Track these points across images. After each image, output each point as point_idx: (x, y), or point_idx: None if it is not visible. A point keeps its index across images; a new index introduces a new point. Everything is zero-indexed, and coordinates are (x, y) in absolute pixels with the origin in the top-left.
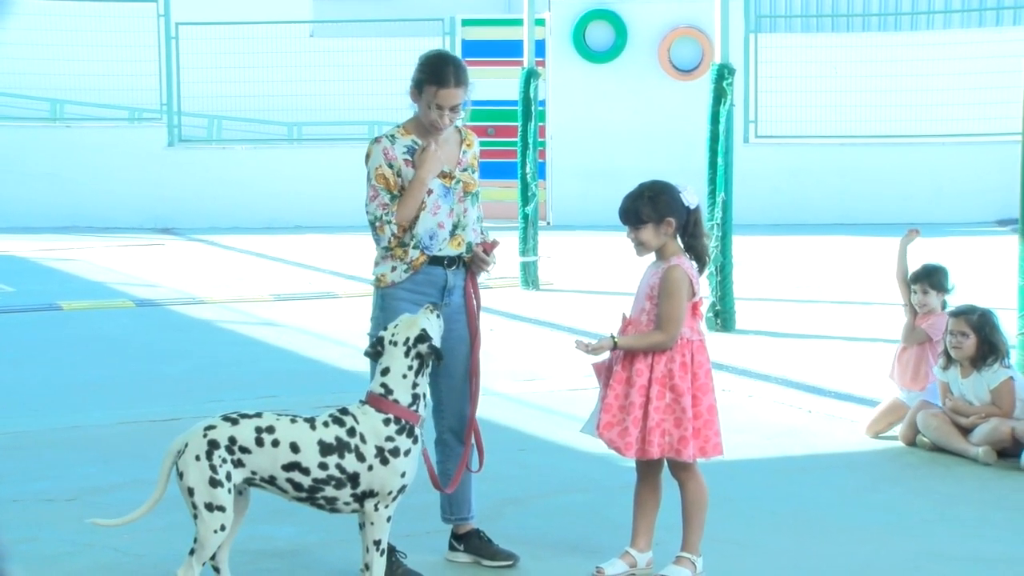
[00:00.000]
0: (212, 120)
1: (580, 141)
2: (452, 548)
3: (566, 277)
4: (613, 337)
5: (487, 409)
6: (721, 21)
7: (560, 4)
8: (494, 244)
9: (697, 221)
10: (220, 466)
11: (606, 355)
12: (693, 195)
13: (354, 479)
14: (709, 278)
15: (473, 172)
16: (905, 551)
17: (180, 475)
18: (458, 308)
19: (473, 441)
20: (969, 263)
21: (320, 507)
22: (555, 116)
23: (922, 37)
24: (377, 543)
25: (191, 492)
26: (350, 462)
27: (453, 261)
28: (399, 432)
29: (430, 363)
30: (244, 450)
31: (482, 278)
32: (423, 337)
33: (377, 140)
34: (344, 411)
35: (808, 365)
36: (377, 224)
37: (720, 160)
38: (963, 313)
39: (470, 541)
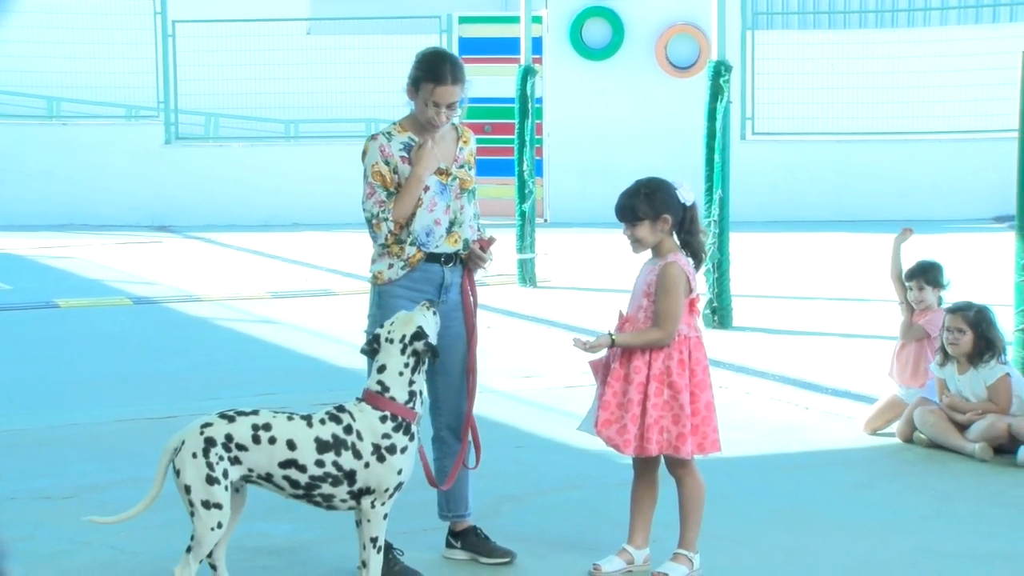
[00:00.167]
0: (209, 118)
1: (577, 138)
2: (449, 545)
3: (563, 274)
4: (611, 334)
5: (484, 406)
6: (718, 18)
7: (557, 1)
8: (491, 241)
9: (693, 218)
10: (217, 463)
11: (603, 352)
12: (689, 192)
13: (351, 476)
14: (706, 275)
15: (470, 169)
16: (901, 547)
17: (177, 472)
18: (455, 305)
19: (471, 438)
20: (966, 260)
21: (317, 504)
22: (552, 113)
23: (919, 34)
24: (374, 540)
25: (188, 490)
26: (347, 459)
27: (450, 258)
28: (396, 429)
29: (426, 360)
30: (241, 447)
31: (479, 275)
32: (419, 334)
33: (374, 137)
34: (341, 408)
35: (805, 362)
36: (374, 221)
37: (717, 157)
38: (960, 309)
39: (467, 538)
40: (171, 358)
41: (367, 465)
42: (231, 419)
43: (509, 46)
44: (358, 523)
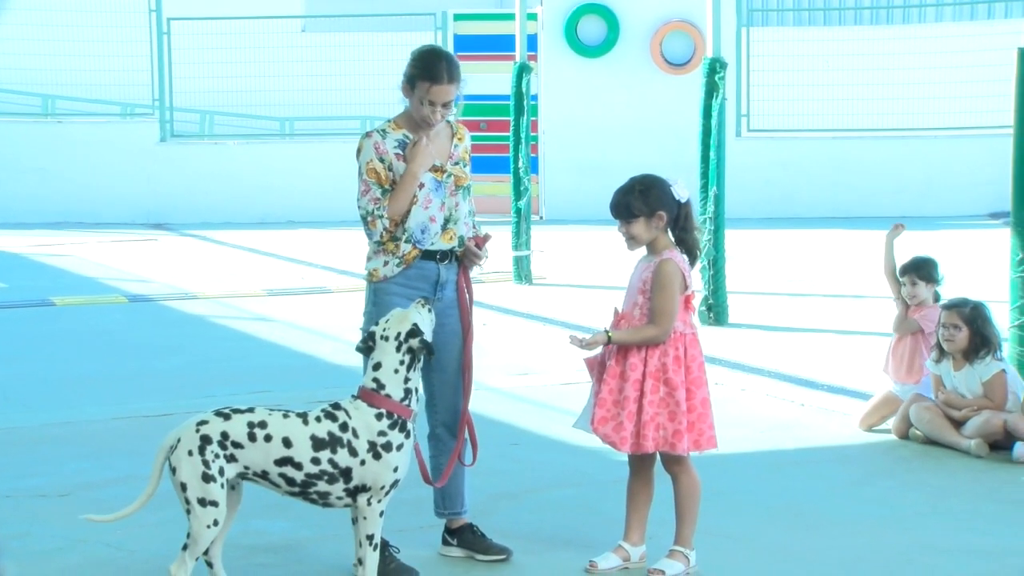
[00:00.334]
0: (204, 115)
1: (572, 135)
2: (445, 543)
3: (559, 271)
4: (607, 332)
5: (480, 404)
6: (713, 15)
7: None
8: (486, 238)
9: (688, 215)
10: (213, 461)
11: (599, 350)
12: (684, 189)
13: (346, 474)
14: (702, 272)
15: (464, 166)
16: (897, 544)
17: (173, 470)
18: (451, 303)
19: (467, 435)
20: (962, 256)
21: (313, 502)
22: (547, 110)
23: (914, 30)
24: (370, 538)
25: (184, 487)
26: (342, 457)
27: (445, 255)
28: (391, 427)
29: (422, 358)
30: (237, 445)
31: (475, 272)
32: (414, 332)
33: (368, 135)
34: (336, 406)
35: (801, 359)
36: (369, 219)
37: (712, 154)
38: (955, 306)
39: (463, 536)
40: (167, 356)
41: (363, 463)
42: (227, 417)
43: (504, 43)
44: (354, 520)
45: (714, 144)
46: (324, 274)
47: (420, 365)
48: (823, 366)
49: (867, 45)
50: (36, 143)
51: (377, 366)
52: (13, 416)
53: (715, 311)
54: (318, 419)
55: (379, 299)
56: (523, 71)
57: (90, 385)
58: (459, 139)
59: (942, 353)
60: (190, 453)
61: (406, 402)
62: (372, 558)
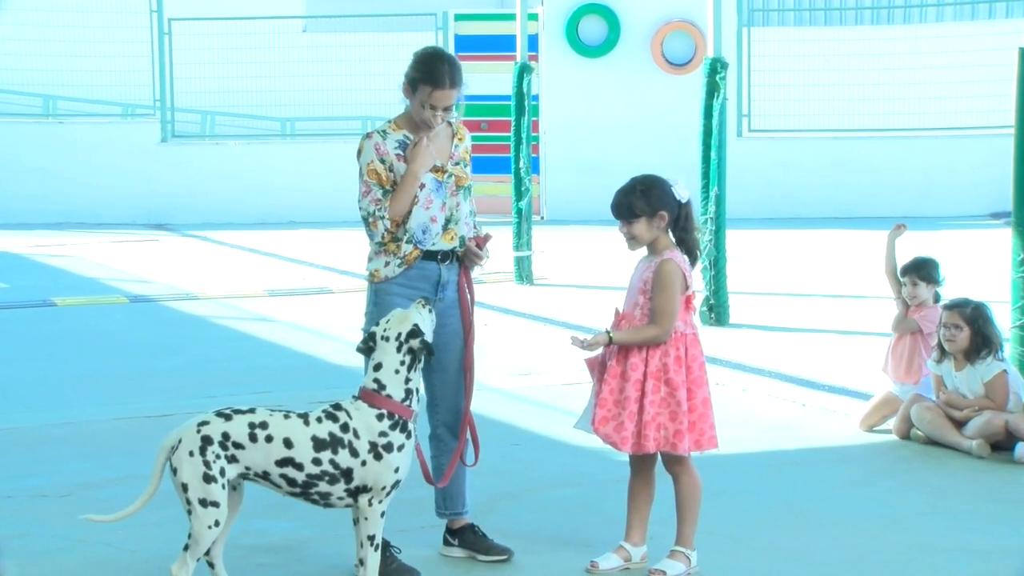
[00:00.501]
0: (205, 116)
1: (573, 136)
2: (446, 543)
3: (560, 272)
4: (608, 332)
5: (481, 404)
6: (714, 15)
7: None
8: (487, 238)
9: (688, 215)
10: (214, 462)
11: (600, 350)
12: (684, 189)
13: (347, 474)
14: (703, 272)
15: (465, 166)
16: (898, 544)
17: (174, 471)
18: (452, 303)
19: (468, 436)
20: (963, 256)
21: (314, 502)
22: (548, 111)
23: (915, 30)
24: (371, 538)
25: (185, 488)
26: (343, 458)
27: (446, 255)
28: (392, 427)
29: (422, 358)
30: (237, 446)
31: (476, 273)
32: (415, 332)
33: (368, 136)
34: (337, 407)
35: (802, 359)
36: (370, 219)
37: (713, 154)
38: (957, 306)
39: (464, 536)
40: (168, 356)
41: (364, 463)
42: (228, 417)
43: (505, 43)
44: (355, 521)
45: (715, 144)
46: (325, 274)
47: (421, 366)
48: (824, 366)
49: (868, 45)
50: (37, 143)
51: (378, 367)
52: (14, 416)
53: (716, 311)
54: (319, 420)
55: (380, 299)
56: (524, 71)
57: (91, 385)
58: (459, 139)
59: (943, 353)
60: (191, 454)
61: (407, 402)
62: (373, 558)
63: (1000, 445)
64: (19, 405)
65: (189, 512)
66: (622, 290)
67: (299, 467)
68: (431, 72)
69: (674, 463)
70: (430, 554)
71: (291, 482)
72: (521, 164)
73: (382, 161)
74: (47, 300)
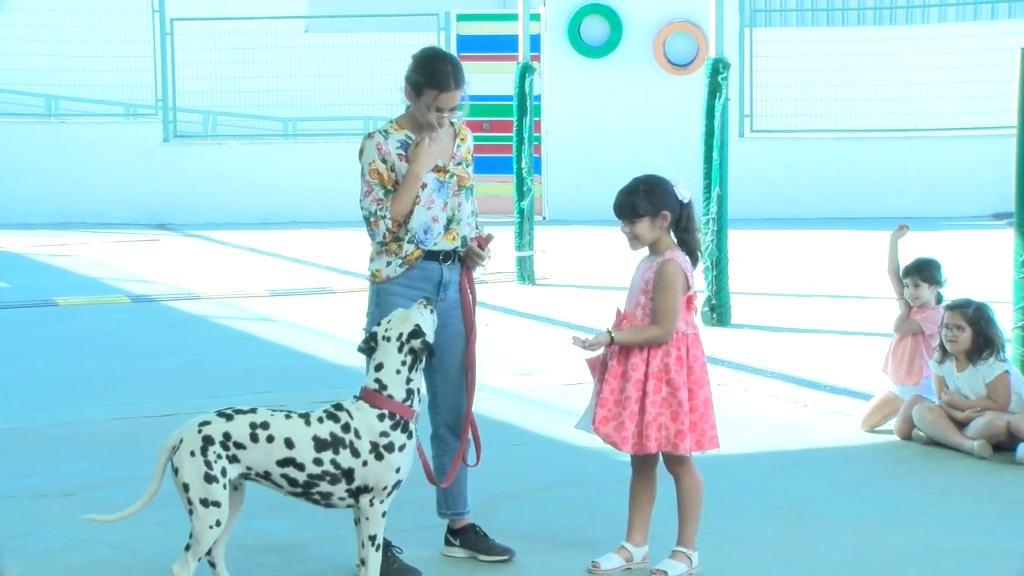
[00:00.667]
0: (207, 116)
1: (575, 136)
2: (448, 543)
3: (562, 272)
4: (609, 332)
5: (482, 404)
6: (716, 15)
7: None
8: (489, 238)
9: (690, 215)
10: (215, 462)
11: (602, 350)
12: (686, 189)
13: (349, 475)
14: (705, 273)
15: (467, 166)
16: (900, 544)
17: (175, 471)
18: (454, 303)
19: (470, 436)
20: (965, 257)
21: (315, 502)
22: (550, 111)
23: (917, 31)
24: (372, 538)
25: (186, 488)
26: (345, 458)
27: (448, 256)
28: (393, 427)
29: (423, 358)
30: (239, 446)
31: (477, 273)
32: (416, 332)
33: (370, 135)
34: (339, 407)
35: (804, 359)
36: (372, 219)
37: (715, 155)
38: (959, 307)
39: (466, 536)
40: (169, 356)
41: (365, 463)
42: (229, 417)
43: (507, 43)
44: (357, 521)
45: (717, 145)
46: (327, 274)
47: (422, 366)
48: (826, 367)
49: (870, 45)
50: (39, 143)
51: (379, 367)
52: (16, 416)
53: (718, 312)
54: (320, 420)
55: (382, 300)
56: (526, 71)
57: (92, 385)
58: (461, 139)
59: (945, 354)
60: (192, 454)
61: (408, 403)
62: (375, 558)
63: (1002, 446)
64: (21, 405)
65: (190, 512)
66: (624, 290)
67: (300, 467)
68: (435, 75)
69: (675, 463)
70: (431, 554)
71: (292, 482)
72: (523, 164)
73: (384, 161)
74: (49, 300)
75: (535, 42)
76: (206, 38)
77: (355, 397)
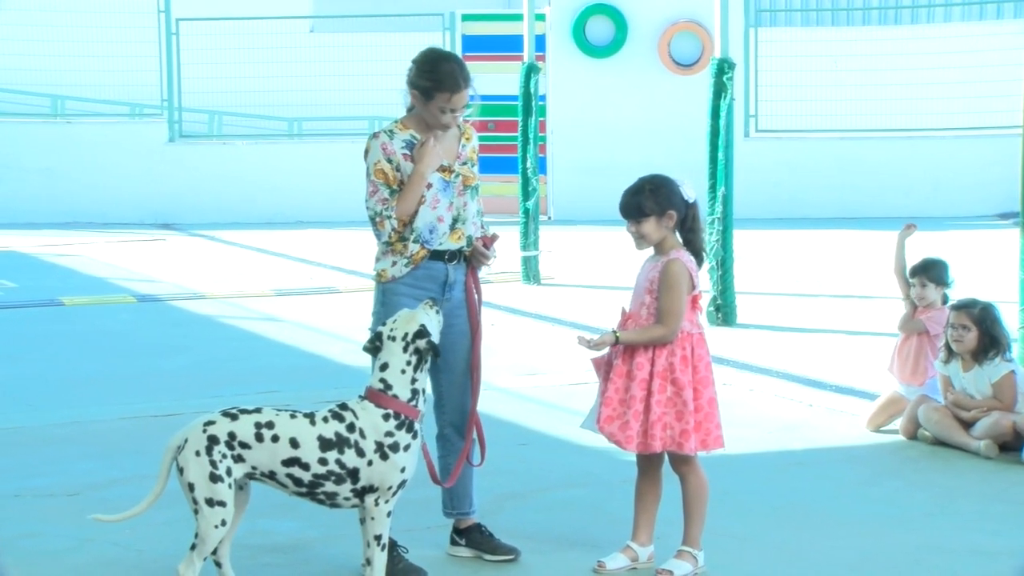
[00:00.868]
0: (213, 116)
1: (580, 136)
2: (453, 543)
3: (567, 272)
4: (614, 332)
5: (488, 404)
6: (721, 15)
7: None
8: (494, 238)
9: (695, 215)
10: (220, 461)
11: (607, 350)
12: (691, 189)
13: (354, 474)
14: (710, 272)
15: (472, 166)
16: (905, 544)
17: (180, 471)
18: (459, 303)
19: (475, 435)
20: (970, 257)
21: (320, 502)
22: (555, 111)
23: (922, 31)
24: (378, 538)
25: (191, 487)
26: (350, 457)
27: (454, 255)
28: (398, 427)
29: (428, 358)
30: (244, 445)
31: (483, 272)
32: (422, 332)
33: (375, 135)
34: (344, 406)
35: (809, 359)
36: (377, 219)
37: (720, 155)
38: (964, 306)
39: (471, 535)
40: (174, 356)
41: (370, 463)
42: (234, 417)
43: (512, 43)
44: (362, 521)
45: (722, 145)
46: (332, 274)
47: (427, 366)
48: (831, 367)
49: (875, 45)
50: (45, 143)
51: (384, 366)
52: (21, 416)
53: (723, 311)
54: (325, 419)
55: (387, 299)
56: (531, 71)
57: (98, 385)
58: (466, 139)
59: (951, 354)
60: (197, 453)
61: (413, 403)
62: (380, 558)
63: (1008, 446)
64: (26, 405)
65: (195, 511)
66: (628, 290)
67: (305, 467)
68: (443, 78)
69: (681, 463)
70: (437, 554)
71: (297, 482)
72: (528, 164)
73: (389, 161)
74: (54, 300)
75: (540, 42)
76: (211, 38)
77: (360, 397)
